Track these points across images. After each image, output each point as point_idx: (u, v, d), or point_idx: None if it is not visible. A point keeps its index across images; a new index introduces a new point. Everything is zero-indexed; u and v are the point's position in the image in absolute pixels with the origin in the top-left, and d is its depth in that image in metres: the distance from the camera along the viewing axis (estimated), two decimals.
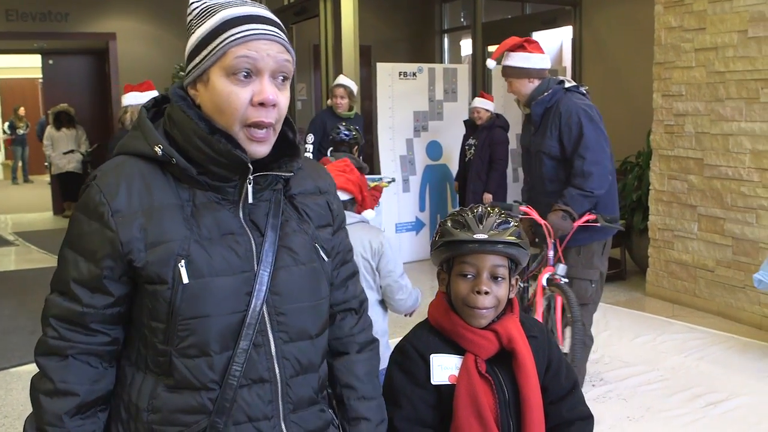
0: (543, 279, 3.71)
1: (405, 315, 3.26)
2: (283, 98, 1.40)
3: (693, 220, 5.77)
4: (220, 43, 1.36)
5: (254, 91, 1.36)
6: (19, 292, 6.59)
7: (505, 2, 9.47)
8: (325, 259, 1.53)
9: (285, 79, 1.41)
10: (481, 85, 8.23)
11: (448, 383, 1.73)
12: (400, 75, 7.45)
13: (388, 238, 3.13)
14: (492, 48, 8.84)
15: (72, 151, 10.63)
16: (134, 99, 4.97)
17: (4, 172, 17.88)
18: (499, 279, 1.75)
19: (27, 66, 16.16)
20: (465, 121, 7.16)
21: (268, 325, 1.42)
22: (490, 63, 3.90)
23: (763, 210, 5.19)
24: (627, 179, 6.81)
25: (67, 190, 10.63)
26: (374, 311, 3.09)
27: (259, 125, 1.37)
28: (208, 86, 1.38)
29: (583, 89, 3.85)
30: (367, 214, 3.17)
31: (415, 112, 7.52)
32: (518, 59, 3.82)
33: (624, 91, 7.54)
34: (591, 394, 4.10)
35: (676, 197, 5.90)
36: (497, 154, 6.66)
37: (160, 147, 1.38)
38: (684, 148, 5.80)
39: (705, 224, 5.67)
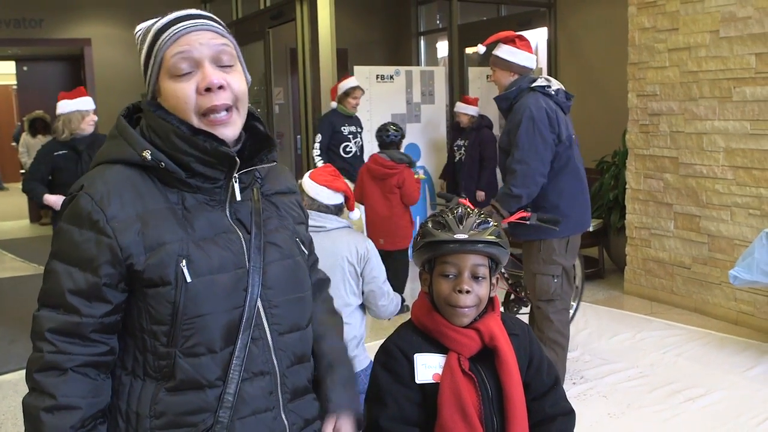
0: None
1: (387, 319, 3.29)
2: (233, 79, 1.43)
3: (669, 218, 5.84)
4: (156, 51, 1.42)
5: (198, 80, 1.40)
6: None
7: (481, 4, 9.52)
8: (305, 252, 1.61)
9: (230, 62, 1.44)
10: (458, 87, 8.27)
11: (433, 382, 1.75)
12: (377, 78, 7.47)
13: (372, 244, 3.16)
14: (469, 50, 8.91)
15: None
16: (66, 107, 4.97)
17: None
18: (480, 278, 1.78)
19: (1, 73, 15.98)
20: (452, 123, 7.33)
21: (264, 319, 1.46)
22: (481, 48, 3.96)
23: (738, 207, 5.27)
24: (603, 178, 6.87)
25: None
26: (354, 316, 3.11)
27: (213, 110, 1.41)
28: (164, 95, 1.43)
29: (552, 89, 3.83)
30: (354, 214, 3.22)
31: (392, 114, 7.53)
32: (506, 52, 3.89)
33: (599, 92, 7.61)
34: (572, 392, 4.13)
35: (652, 196, 5.97)
36: (487, 153, 6.92)
37: (148, 152, 1.40)
38: (659, 147, 5.87)
39: (681, 222, 5.74)
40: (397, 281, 5.29)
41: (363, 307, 3.16)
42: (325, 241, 2.98)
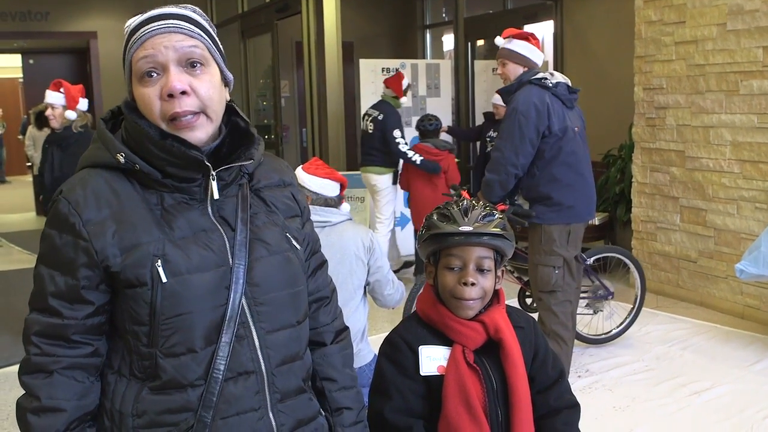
0: None
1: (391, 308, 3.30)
2: (201, 84, 1.39)
3: (675, 212, 5.82)
4: (126, 55, 1.41)
5: (162, 85, 1.38)
6: (3, 293, 6.56)
7: None
8: (298, 247, 1.56)
9: (201, 64, 1.41)
10: (463, 80, 8.26)
11: (437, 374, 1.76)
12: (383, 71, 7.46)
13: (374, 235, 3.18)
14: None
15: None
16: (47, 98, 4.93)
17: None
18: (485, 270, 1.78)
19: (7, 66, 16.01)
20: (485, 114, 7.32)
21: (249, 317, 1.43)
22: (499, 40, 4.08)
23: (744, 201, 5.25)
24: (610, 172, 6.86)
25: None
26: (359, 310, 3.10)
27: (175, 117, 1.38)
28: (135, 98, 1.42)
29: (550, 82, 3.89)
30: (345, 207, 3.20)
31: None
32: (521, 47, 3.99)
33: (606, 85, 7.59)
34: (577, 385, 4.14)
35: (658, 189, 5.96)
36: None
37: (122, 155, 1.39)
38: (666, 141, 5.85)
39: (687, 216, 5.72)
40: None
41: (365, 298, 3.16)
42: (332, 236, 2.98)
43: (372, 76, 7.40)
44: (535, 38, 4.04)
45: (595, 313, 4.75)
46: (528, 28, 8.75)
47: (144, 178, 1.41)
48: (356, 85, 7.74)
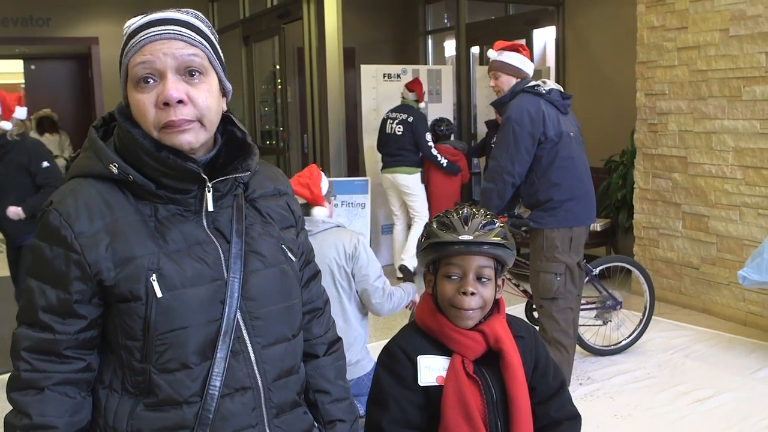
0: None
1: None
2: (198, 93, 1.36)
3: (677, 218, 5.80)
4: (123, 59, 1.37)
5: (158, 92, 1.34)
6: (2, 299, 6.53)
7: (489, 3, 9.48)
8: (293, 259, 1.54)
9: (200, 72, 1.37)
10: (465, 86, 8.24)
11: (436, 384, 1.73)
12: (384, 77, 7.45)
13: (364, 240, 3.06)
14: (474, 49, 8.90)
15: (56, 157, 10.51)
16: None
17: None
18: (485, 280, 1.75)
19: (9, 71, 16.00)
20: (487, 122, 7.36)
21: (245, 331, 1.40)
22: (492, 53, 4.10)
23: (747, 207, 5.23)
24: (612, 178, 6.83)
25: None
26: (355, 320, 3.04)
27: (169, 125, 1.34)
28: (129, 104, 1.38)
29: (542, 89, 3.94)
30: (319, 212, 3.07)
31: None
32: (514, 58, 4.03)
33: (608, 91, 7.57)
34: (578, 393, 4.11)
35: (660, 195, 5.93)
36: None
37: (115, 165, 1.35)
38: (668, 147, 5.83)
39: (689, 222, 5.70)
40: None
41: (363, 309, 3.11)
42: (313, 244, 2.93)
43: (373, 81, 7.38)
44: (525, 49, 4.10)
45: (604, 323, 4.73)
46: (530, 33, 8.76)
47: (137, 189, 1.37)
48: (357, 90, 7.72)
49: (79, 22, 9.79)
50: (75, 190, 1.37)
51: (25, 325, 1.37)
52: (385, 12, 10.46)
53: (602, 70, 7.74)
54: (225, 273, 1.39)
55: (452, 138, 7.27)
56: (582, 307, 4.33)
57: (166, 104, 1.33)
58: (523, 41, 7.28)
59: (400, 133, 6.65)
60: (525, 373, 1.77)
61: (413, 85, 6.83)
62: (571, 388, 4.08)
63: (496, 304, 1.82)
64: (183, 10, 1.41)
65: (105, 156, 1.37)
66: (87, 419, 1.39)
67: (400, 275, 6.76)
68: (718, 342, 4.97)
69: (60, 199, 1.37)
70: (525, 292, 4.66)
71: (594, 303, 4.68)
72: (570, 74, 8.17)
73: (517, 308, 5.00)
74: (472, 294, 1.72)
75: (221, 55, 1.44)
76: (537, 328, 3.84)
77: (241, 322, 1.40)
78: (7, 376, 1.42)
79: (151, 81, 1.34)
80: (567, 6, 8.20)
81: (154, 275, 1.33)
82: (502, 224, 1.79)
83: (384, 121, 6.79)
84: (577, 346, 4.29)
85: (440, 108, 7.79)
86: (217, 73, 1.42)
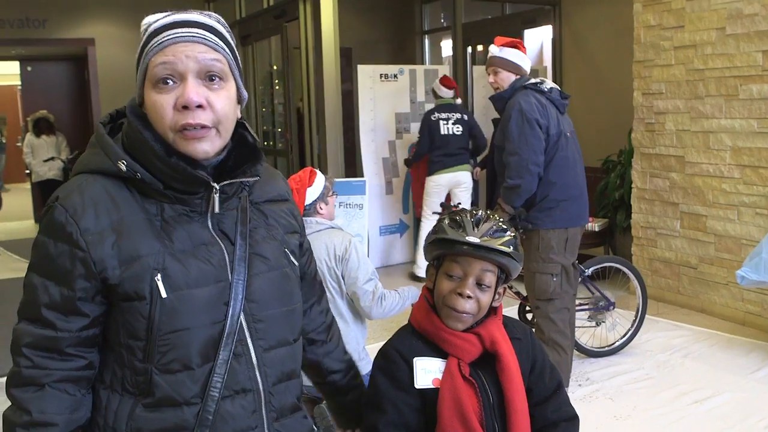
0: None
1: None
2: (217, 99, 1.35)
3: (675, 218, 5.79)
4: (144, 57, 1.36)
5: (177, 95, 1.33)
6: (2, 301, 6.51)
7: (485, 2, 9.47)
8: (296, 263, 1.55)
9: (220, 78, 1.36)
10: (462, 85, 8.22)
11: (432, 387, 1.71)
12: (381, 77, 7.43)
13: (356, 242, 3.03)
14: (477, 47, 8.90)
15: (53, 158, 10.49)
16: None
17: None
18: (485, 286, 1.73)
19: (5, 73, 16.00)
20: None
21: (247, 334, 1.40)
22: (493, 49, 4.10)
23: (744, 206, 5.22)
24: (609, 178, 6.82)
25: (48, 197, 10.48)
26: (352, 323, 3.02)
27: (186, 127, 1.33)
28: (145, 103, 1.37)
29: (545, 86, 3.97)
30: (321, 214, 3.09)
31: (396, 113, 7.50)
32: (513, 55, 4.05)
33: (605, 90, 7.57)
34: (577, 394, 4.10)
35: (658, 195, 5.92)
36: None
37: (123, 163, 1.34)
38: (665, 146, 5.82)
39: (687, 221, 5.69)
40: None
41: (357, 315, 3.09)
42: None
43: (370, 81, 7.36)
44: (523, 46, 4.12)
45: (597, 325, 4.71)
46: (527, 33, 8.76)
47: (144, 187, 1.37)
48: (354, 90, 7.70)
49: (75, 24, 9.77)
50: (81, 186, 1.36)
51: (26, 320, 1.36)
52: (381, 12, 10.45)
53: (599, 69, 7.74)
54: (229, 275, 1.39)
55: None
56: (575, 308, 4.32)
57: (185, 107, 1.32)
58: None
59: (459, 133, 6.79)
60: (521, 375, 1.75)
61: (449, 82, 6.93)
62: (569, 390, 4.08)
63: (493, 308, 1.80)
64: (206, 13, 1.40)
65: (113, 153, 1.36)
66: (86, 416, 1.39)
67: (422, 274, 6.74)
68: (716, 342, 4.96)
69: (66, 194, 1.36)
70: (518, 293, 4.64)
71: (586, 304, 4.66)
72: (567, 74, 8.17)
73: (509, 310, 4.98)
74: (468, 297, 1.71)
75: (239, 62, 1.44)
76: (533, 329, 3.84)
77: (244, 325, 1.40)
78: (2, 379, 1.40)
79: (171, 82, 1.33)
80: (564, 5, 8.20)
81: (159, 275, 1.32)
82: (513, 234, 1.76)
83: (435, 124, 6.78)
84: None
85: None
86: (235, 80, 1.41)
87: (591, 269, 4.63)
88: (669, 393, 4.13)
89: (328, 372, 1.78)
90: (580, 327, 4.58)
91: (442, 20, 10.60)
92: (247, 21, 8.82)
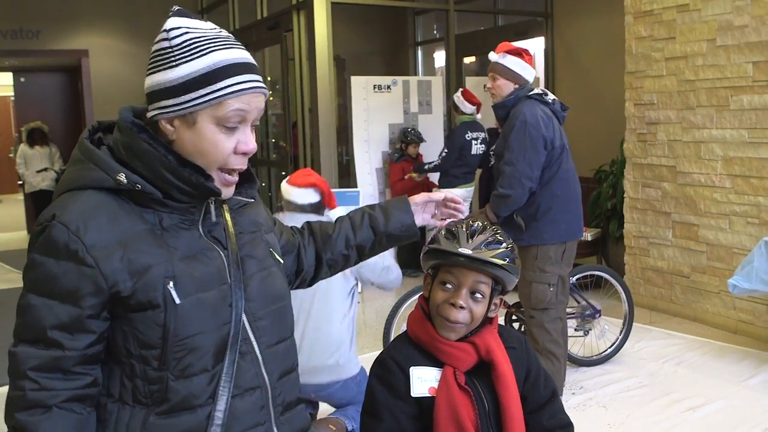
0: None
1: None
2: (252, 139, 1.44)
3: (667, 227, 5.82)
4: (217, 91, 1.34)
5: (239, 140, 1.39)
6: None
7: (478, 14, 9.53)
8: (281, 261, 1.61)
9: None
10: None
11: (428, 395, 1.73)
12: (374, 88, 7.46)
13: None
14: (467, 60, 8.93)
15: (46, 169, 10.47)
16: None
17: None
18: (479, 296, 1.74)
19: None
20: (489, 130, 7.40)
21: (250, 332, 1.45)
22: (493, 55, 4.05)
23: (736, 216, 5.26)
24: (601, 188, 6.86)
25: (42, 208, 10.40)
26: (345, 319, 3.06)
27: (232, 172, 1.42)
28: (193, 128, 1.37)
29: (549, 98, 3.95)
30: (335, 213, 3.15)
31: (390, 124, 7.53)
32: (514, 63, 3.98)
33: (597, 101, 7.61)
34: (571, 402, 4.11)
35: (650, 205, 5.96)
36: None
37: (123, 175, 1.35)
38: (657, 156, 5.86)
39: (679, 231, 5.72)
40: None
41: (354, 305, 3.13)
42: None
43: (364, 93, 7.39)
44: (528, 54, 4.04)
45: (585, 334, 4.70)
46: (519, 44, 8.80)
47: (140, 198, 1.38)
48: (348, 102, 7.72)
49: (69, 35, 9.78)
50: (76, 203, 1.35)
51: (26, 343, 1.33)
52: (375, 23, 10.50)
53: (591, 80, 7.79)
54: (228, 277, 1.44)
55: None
56: None
57: (244, 153, 1.40)
58: None
59: (482, 152, 7.01)
60: (517, 383, 1.77)
61: (473, 98, 7.04)
62: (563, 398, 4.09)
63: (488, 317, 1.82)
64: (243, 48, 1.42)
65: (109, 167, 1.36)
66: None
67: None
68: (709, 350, 4.98)
69: (62, 211, 1.34)
70: (505, 302, 4.63)
71: (573, 313, 4.66)
72: (559, 85, 8.21)
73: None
74: (461, 308, 1.72)
75: None
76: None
77: (246, 324, 1.45)
78: (2, 388, 1.40)
79: (236, 127, 1.39)
80: (556, 17, 8.26)
81: (171, 282, 1.35)
82: (509, 246, 1.76)
83: (469, 144, 6.93)
84: None
85: (431, 119, 7.81)
86: None
87: (575, 278, 4.63)
88: (662, 401, 4.15)
89: (351, 245, 1.84)
90: (569, 336, 4.59)
91: (435, 32, 10.65)
92: (241, 32, 8.85)
